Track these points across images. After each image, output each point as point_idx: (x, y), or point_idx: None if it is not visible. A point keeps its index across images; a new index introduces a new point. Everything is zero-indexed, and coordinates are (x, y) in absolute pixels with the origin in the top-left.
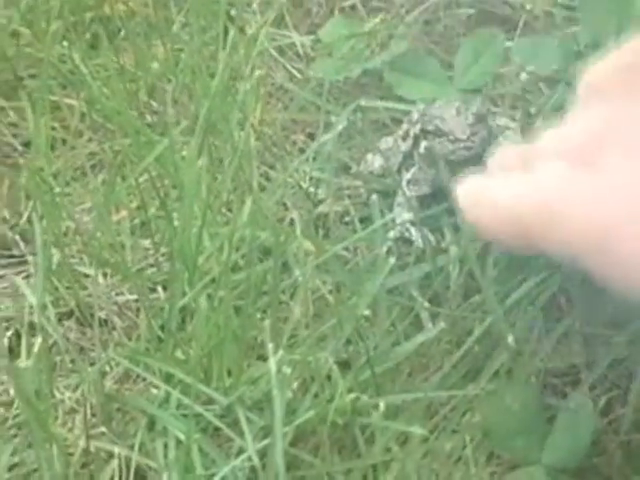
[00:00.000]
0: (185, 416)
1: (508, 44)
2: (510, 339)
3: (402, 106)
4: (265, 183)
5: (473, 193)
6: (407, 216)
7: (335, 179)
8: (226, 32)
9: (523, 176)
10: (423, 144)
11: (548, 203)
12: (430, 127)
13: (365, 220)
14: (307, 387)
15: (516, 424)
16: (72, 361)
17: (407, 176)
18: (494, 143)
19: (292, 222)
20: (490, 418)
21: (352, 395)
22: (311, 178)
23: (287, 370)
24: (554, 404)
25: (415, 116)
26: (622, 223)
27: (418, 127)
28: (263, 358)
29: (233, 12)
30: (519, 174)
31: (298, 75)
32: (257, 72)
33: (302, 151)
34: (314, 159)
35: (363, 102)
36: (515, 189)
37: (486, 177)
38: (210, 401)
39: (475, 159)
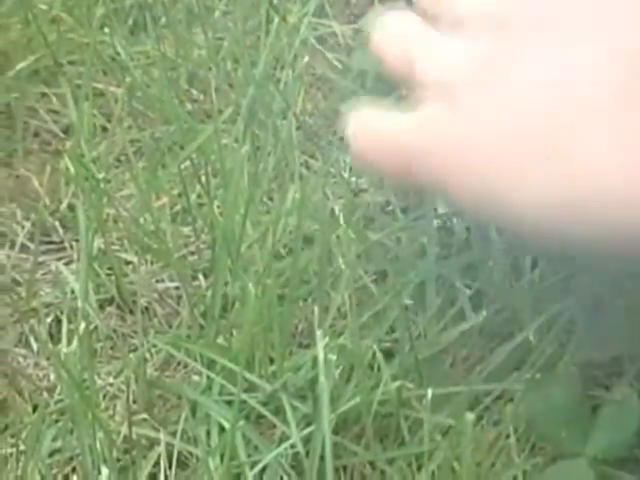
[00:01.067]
0: (228, 403)
1: None
2: (553, 331)
3: None
4: (306, 172)
5: (361, 123)
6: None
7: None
8: (268, 21)
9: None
10: None
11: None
12: None
13: (407, 210)
14: (350, 375)
15: (559, 415)
16: (113, 347)
17: None
18: None
19: (333, 211)
20: (533, 409)
21: (397, 383)
22: (352, 168)
23: (332, 357)
24: (598, 396)
25: None
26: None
27: None
28: (304, 346)
29: (275, 1)
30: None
31: (339, 65)
32: (300, 61)
33: (343, 141)
34: None
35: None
36: (400, 123)
37: (376, 109)
38: (253, 388)
39: None
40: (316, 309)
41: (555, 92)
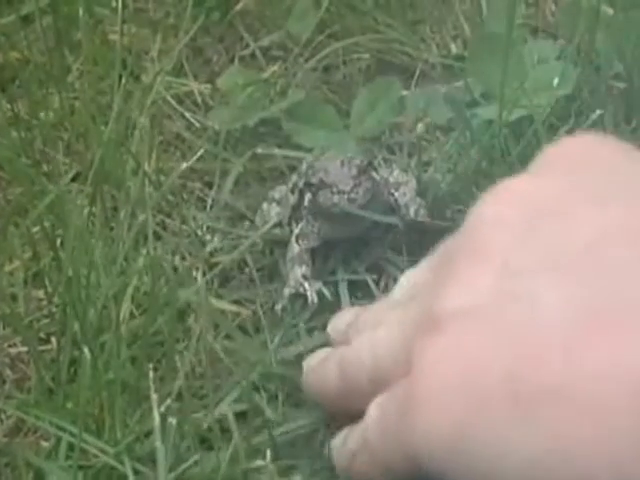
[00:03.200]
0: (72, 467)
1: (405, 93)
2: None
3: (300, 154)
4: (161, 232)
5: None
6: (299, 271)
7: (231, 228)
8: (121, 81)
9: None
10: (307, 197)
11: None
12: (314, 180)
13: (263, 269)
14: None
15: None
16: None
17: (296, 230)
18: (379, 194)
19: (189, 271)
20: None
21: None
22: (208, 227)
23: (173, 421)
24: None
25: (303, 168)
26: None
27: (303, 181)
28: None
29: (130, 60)
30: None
31: (196, 124)
32: (150, 121)
33: (200, 199)
34: (211, 208)
35: (260, 150)
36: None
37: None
38: (101, 452)
39: (358, 210)
40: (151, 373)
41: None
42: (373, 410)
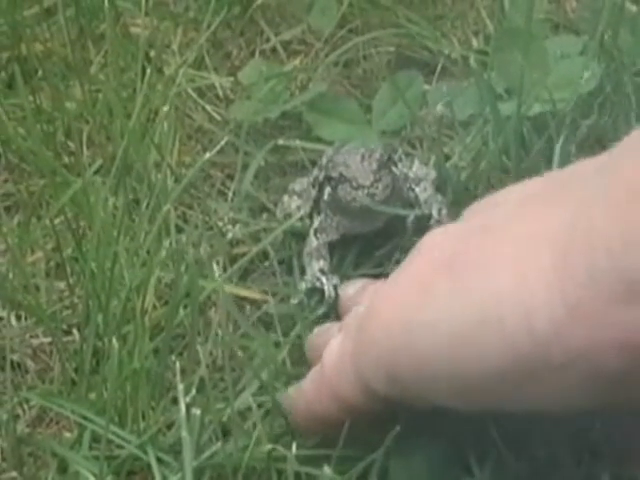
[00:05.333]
0: (97, 458)
1: (427, 87)
2: None
3: (321, 147)
4: (182, 225)
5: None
6: (317, 265)
7: (252, 220)
8: (144, 73)
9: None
10: (327, 190)
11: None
12: (334, 174)
13: (283, 262)
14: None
15: None
16: None
17: (315, 224)
18: (399, 189)
19: (210, 263)
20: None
21: (268, 446)
22: (229, 219)
23: (197, 412)
24: None
25: (324, 161)
26: None
27: (323, 174)
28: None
29: (152, 53)
30: None
31: (217, 117)
32: (174, 113)
33: (221, 192)
34: (232, 200)
35: (281, 141)
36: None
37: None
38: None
39: (378, 205)
40: (177, 364)
41: None
42: (327, 349)
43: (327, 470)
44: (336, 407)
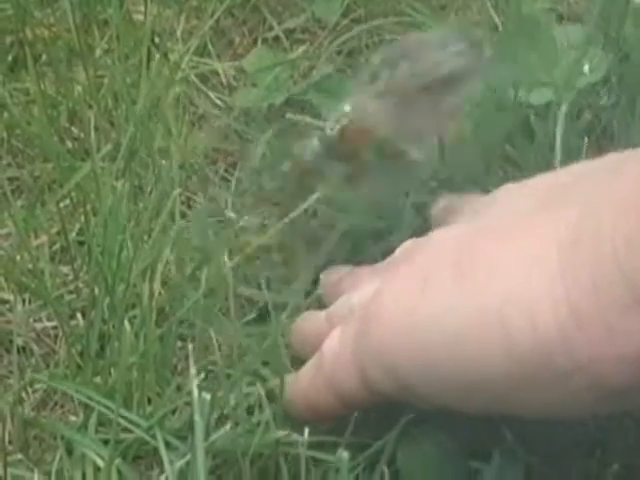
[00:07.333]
0: (104, 442)
1: None
2: None
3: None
4: (187, 211)
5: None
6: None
7: (256, 208)
8: (149, 59)
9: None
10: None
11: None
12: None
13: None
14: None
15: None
16: None
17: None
18: None
19: (214, 249)
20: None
21: (279, 432)
22: (233, 206)
23: (207, 396)
24: None
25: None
26: None
27: None
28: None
29: (157, 40)
30: None
31: (220, 104)
32: (181, 99)
33: (224, 179)
34: (236, 187)
35: (289, 115)
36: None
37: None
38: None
39: None
40: (190, 346)
41: None
42: (327, 340)
43: (344, 455)
44: (336, 401)
